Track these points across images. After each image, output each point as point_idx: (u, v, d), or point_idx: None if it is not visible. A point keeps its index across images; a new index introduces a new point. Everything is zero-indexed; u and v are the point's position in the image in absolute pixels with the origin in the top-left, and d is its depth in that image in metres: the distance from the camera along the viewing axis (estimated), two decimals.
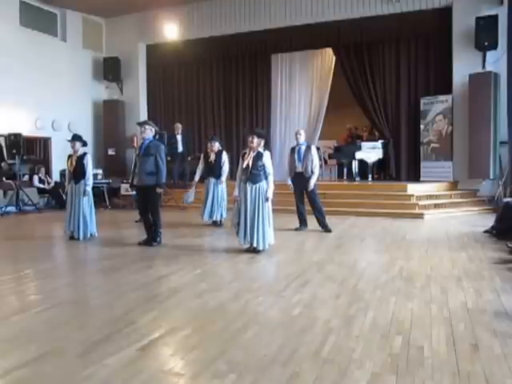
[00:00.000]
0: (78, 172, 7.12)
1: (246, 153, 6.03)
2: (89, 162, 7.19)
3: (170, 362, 2.84)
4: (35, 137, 12.26)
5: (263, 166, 5.91)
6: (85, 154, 7.23)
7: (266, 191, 5.89)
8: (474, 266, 5.21)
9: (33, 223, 9.65)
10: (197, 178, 8.57)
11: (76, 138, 7.28)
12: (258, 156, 5.91)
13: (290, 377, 2.60)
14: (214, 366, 2.73)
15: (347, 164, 12.42)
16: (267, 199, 5.88)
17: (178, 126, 12.25)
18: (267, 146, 6.58)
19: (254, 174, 5.88)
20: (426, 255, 5.81)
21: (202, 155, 8.68)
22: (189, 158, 12.17)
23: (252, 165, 5.87)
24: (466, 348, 2.96)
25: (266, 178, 5.94)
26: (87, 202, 7.16)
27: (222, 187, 8.37)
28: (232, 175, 8.79)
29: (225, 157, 8.43)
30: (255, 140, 5.91)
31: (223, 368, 2.71)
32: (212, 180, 8.34)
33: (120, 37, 13.67)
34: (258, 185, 5.88)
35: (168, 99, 14.16)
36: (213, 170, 8.35)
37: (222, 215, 8.37)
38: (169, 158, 11.73)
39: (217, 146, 8.46)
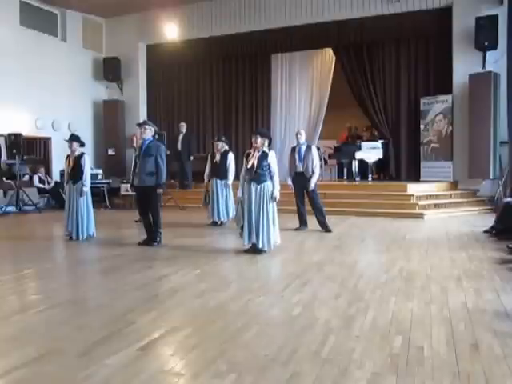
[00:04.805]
0: (75, 172, 7.10)
1: (250, 153, 6.01)
2: (86, 162, 7.16)
3: (170, 362, 2.84)
4: (35, 137, 12.26)
5: (268, 165, 5.87)
6: (82, 154, 7.21)
7: (272, 191, 5.84)
8: (473, 266, 5.21)
9: (33, 223, 9.65)
10: (206, 178, 8.50)
11: (73, 138, 7.27)
12: (263, 156, 5.87)
13: (289, 377, 2.60)
14: (214, 366, 2.73)
15: (347, 164, 12.44)
16: (275, 199, 5.84)
17: (182, 125, 12.17)
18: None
19: (258, 174, 5.83)
20: (426, 255, 5.81)
21: (210, 155, 8.66)
22: (191, 158, 12.14)
23: (257, 165, 5.83)
24: (466, 348, 2.96)
25: (271, 178, 5.90)
26: (85, 203, 7.14)
27: (228, 189, 8.33)
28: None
29: (231, 157, 8.39)
30: (259, 140, 5.88)
31: (223, 368, 2.70)
32: (216, 181, 8.31)
33: (120, 37, 13.67)
34: (262, 185, 5.84)
35: (168, 99, 14.17)
36: (217, 171, 8.33)
37: (225, 216, 8.34)
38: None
39: (221, 145, 8.42)
